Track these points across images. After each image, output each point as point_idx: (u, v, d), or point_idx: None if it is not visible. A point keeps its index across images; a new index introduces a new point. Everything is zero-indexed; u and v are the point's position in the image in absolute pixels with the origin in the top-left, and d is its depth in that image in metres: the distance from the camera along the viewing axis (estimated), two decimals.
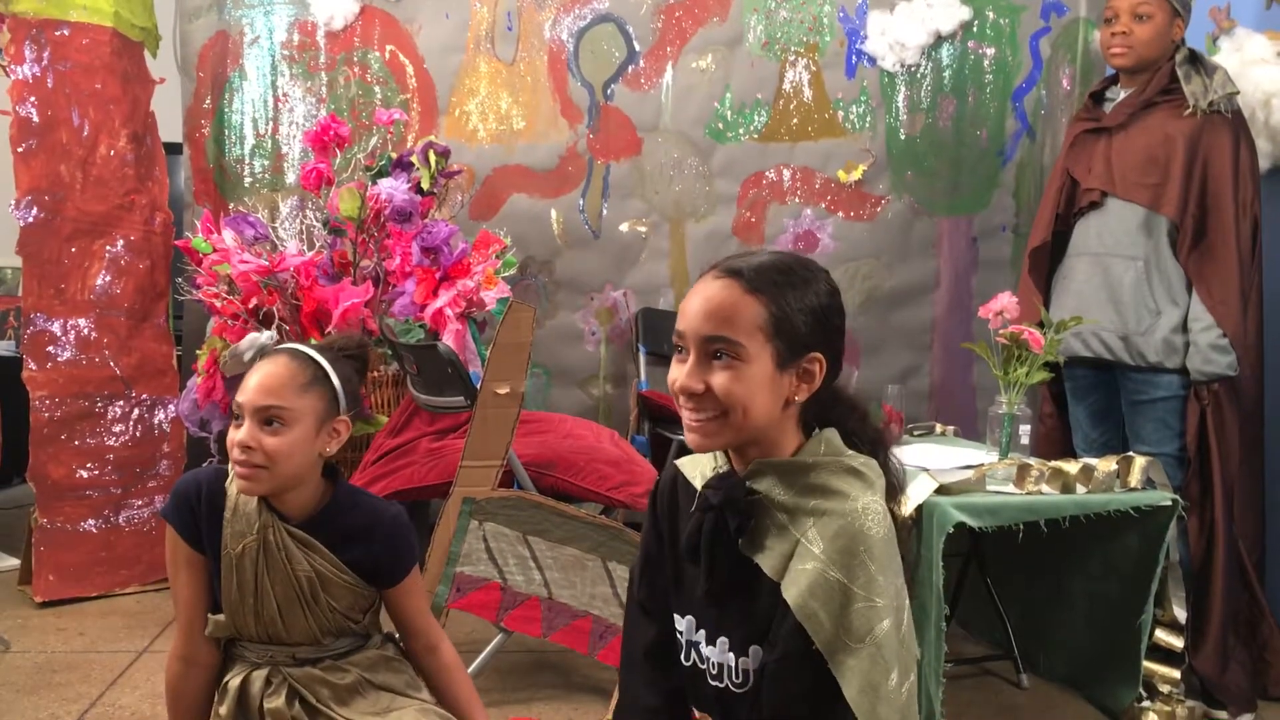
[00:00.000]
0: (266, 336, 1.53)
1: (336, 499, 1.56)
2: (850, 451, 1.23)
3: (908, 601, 1.18)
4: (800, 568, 1.14)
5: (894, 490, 1.27)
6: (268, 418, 1.47)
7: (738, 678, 1.23)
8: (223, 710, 1.53)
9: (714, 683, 1.26)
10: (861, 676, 1.11)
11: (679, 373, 1.20)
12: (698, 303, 1.19)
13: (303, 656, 1.54)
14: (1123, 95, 2.47)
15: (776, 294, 1.18)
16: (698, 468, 1.32)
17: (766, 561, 1.18)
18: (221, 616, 1.53)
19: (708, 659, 1.27)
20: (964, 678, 2.47)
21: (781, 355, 1.18)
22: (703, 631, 1.27)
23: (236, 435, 1.47)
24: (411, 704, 1.55)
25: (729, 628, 1.24)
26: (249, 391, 1.48)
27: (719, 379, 1.17)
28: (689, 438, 1.21)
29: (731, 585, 1.23)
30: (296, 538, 1.51)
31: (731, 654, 1.24)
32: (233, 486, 1.52)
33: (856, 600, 1.12)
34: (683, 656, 1.31)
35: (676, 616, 1.32)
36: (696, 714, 1.34)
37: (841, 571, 1.12)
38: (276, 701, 1.51)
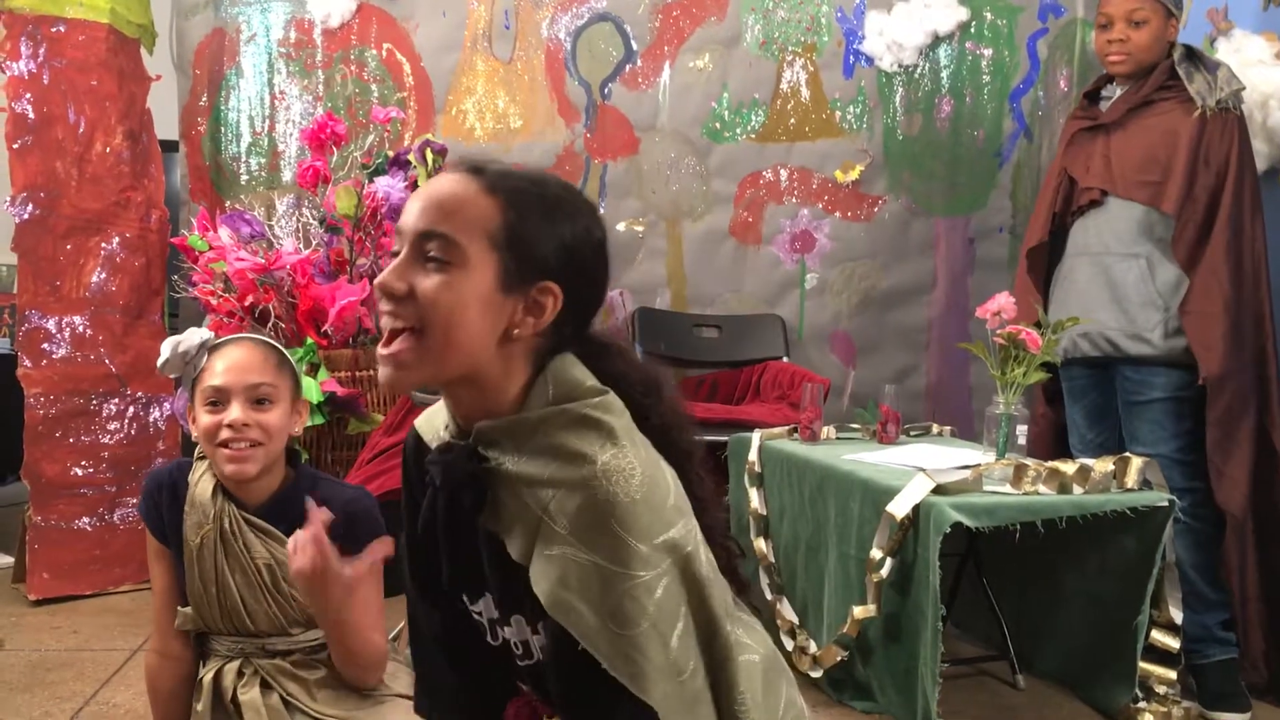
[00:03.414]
0: (203, 332, 1.54)
1: (297, 483, 1.56)
2: (586, 385, 1.02)
3: (696, 532, 1.00)
4: (547, 554, 0.95)
5: (670, 427, 1.06)
6: (259, 396, 1.48)
7: (543, 653, 1.06)
8: (199, 707, 1.53)
9: (523, 661, 1.10)
10: (653, 666, 0.93)
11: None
12: (423, 195, 1.00)
13: (274, 648, 1.54)
14: (1119, 93, 2.45)
15: (519, 201, 0.99)
16: (435, 429, 1.14)
17: (512, 544, 0.99)
18: (188, 609, 1.53)
19: (509, 639, 1.10)
20: (960, 678, 2.46)
21: (508, 273, 0.98)
22: (497, 611, 1.09)
23: (226, 417, 1.47)
24: (383, 702, 1.54)
25: (516, 604, 1.05)
26: (233, 373, 1.49)
27: (426, 282, 0.97)
28: (381, 371, 1.01)
29: (498, 558, 1.02)
30: (254, 526, 1.51)
31: (529, 628, 1.06)
32: (194, 476, 1.52)
33: (618, 580, 0.92)
34: (489, 636, 1.12)
35: (466, 597, 1.13)
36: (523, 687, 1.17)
37: (594, 551, 0.93)
38: (250, 693, 1.50)
